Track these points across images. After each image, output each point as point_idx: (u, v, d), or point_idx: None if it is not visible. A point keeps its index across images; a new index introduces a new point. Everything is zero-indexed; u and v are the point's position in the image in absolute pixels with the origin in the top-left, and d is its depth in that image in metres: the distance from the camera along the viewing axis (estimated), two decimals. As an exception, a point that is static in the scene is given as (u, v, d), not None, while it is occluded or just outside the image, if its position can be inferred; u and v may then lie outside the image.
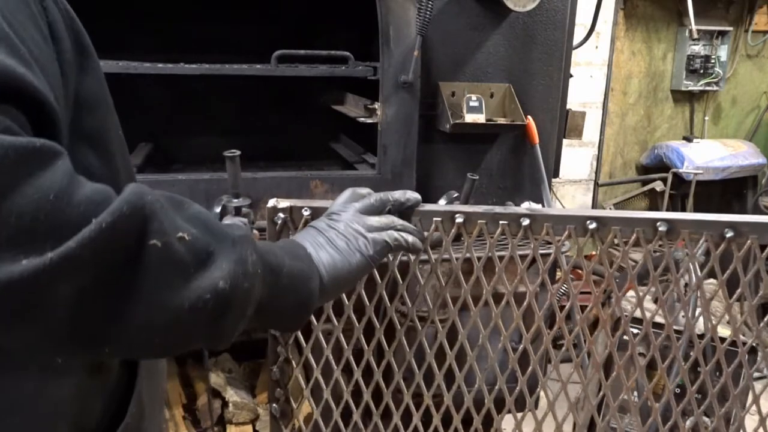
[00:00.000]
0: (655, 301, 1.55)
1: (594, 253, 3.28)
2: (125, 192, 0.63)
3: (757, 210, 4.31)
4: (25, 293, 0.57)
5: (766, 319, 1.06)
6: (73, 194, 0.59)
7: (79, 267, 0.59)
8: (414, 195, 1.05)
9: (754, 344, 1.07)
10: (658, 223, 0.99)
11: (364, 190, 1.05)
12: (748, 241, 0.97)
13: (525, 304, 1.09)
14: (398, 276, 1.11)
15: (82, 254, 0.58)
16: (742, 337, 1.08)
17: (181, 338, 0.70)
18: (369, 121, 1.98)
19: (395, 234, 0.98)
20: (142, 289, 0.63)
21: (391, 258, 1.10)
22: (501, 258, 1.07)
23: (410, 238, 0.99)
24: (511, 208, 1.07)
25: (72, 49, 0.75)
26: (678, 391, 1.12)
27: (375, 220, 0.98)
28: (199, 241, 0.68)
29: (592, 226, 1.01)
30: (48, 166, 0.59)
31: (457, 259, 1.09)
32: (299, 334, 1.16)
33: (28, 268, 0.56)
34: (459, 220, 1.05)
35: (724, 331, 1.36)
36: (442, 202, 1.47)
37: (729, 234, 0.98)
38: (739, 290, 1.02)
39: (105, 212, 0.60)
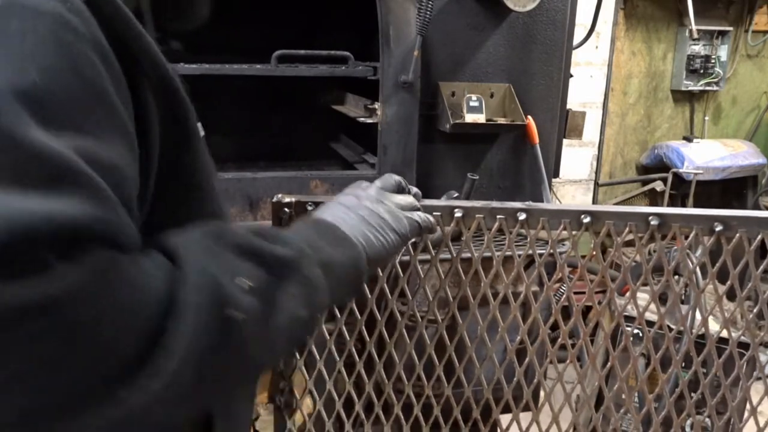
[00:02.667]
0: (662, 300, 1.54)
1: (594, 253, 3.27)
2: (188, 273, 0.57)
3: (757, 210, 4.31)
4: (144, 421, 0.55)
5: (755, 311, 1.06)
6: (146, 304, 0.54)
7: (186, 377, 0.56)
8: (416, 189, 1.05)
9: (745, 339, 1.07)
10: (650, 218, 1.02)
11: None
12: (737, 235, 0.99)
13: (521, 297, 1.10)
14: (399, 270, 1.11)
15: (182, 371, 0.55)
16: (734, 333, 1.08)
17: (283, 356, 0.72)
18: (369, 121, 1.98)
19: (423, 215, 0.96)
20: (241, 354, 0.62)
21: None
22: (499, 256, 1.08)
23: (433, 220, 0.99)
24: (509, 203, 1.09)
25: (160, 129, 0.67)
26: (676, 389, 1.12)
27: (401, 199, 0.96)
28: (261, 281, 0.64)
29: (587, 220, 1.03)
30: (105, 284, 0.52)
31: (456, 253, 1.09)
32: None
33: (134, 405, 0.53)
34: (458, 214, 1.07)
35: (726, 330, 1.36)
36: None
37: (718, 228, 0.99)
38: (728, 283, 1.03)
39: (186, 314, 0.55)
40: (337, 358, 1.18)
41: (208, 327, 0.57)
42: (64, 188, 0.50)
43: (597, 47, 4.18)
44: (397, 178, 1.00)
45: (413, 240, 1.03)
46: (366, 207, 0.90)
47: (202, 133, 0.84)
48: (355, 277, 0.83)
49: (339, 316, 1.15)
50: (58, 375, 0.50)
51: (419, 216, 0.96)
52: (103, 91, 0.58)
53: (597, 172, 4.44)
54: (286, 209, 1.09)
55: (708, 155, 4.34)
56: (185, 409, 0.60)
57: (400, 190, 0.99)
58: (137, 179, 0.63)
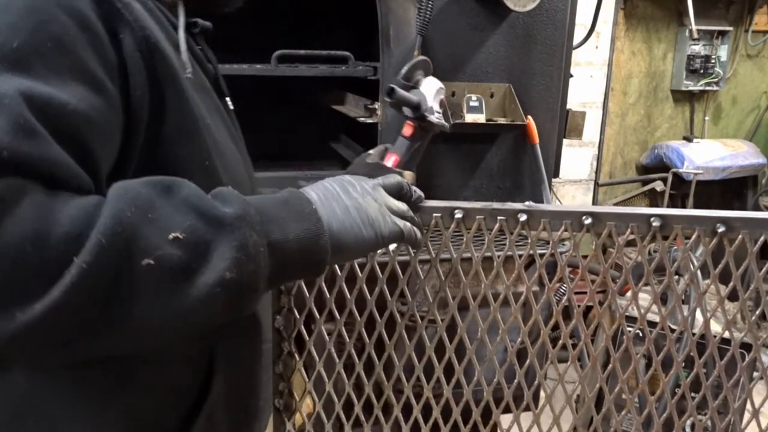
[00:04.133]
0: (663, 300, 1.54)
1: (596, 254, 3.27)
2: (101, 216, 0.62)
3: (757, 210, 4.30)
4: (23, 345, 0.59)
5: (758, 312, 1.06)
6: (49, 235, 0.58)
7: (71, 312, 0.59)
8: (420, 192, 1.03)
9: (747, 340, 1.07)
10: (652, 219, 1.01)
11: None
12: (740, 236, 0.98)
13: (522, 298, 1.10)
14: (399, 271, 1.11)
15: (70, 300, 0.58)
16: (736, 333, 1.08)
17: (202, 327, 0.72)
18: (369, 121, 1.98)
19: (409, 225, 0.93)
20: (150, 305, 0.64)
21: (392, 253, 1.10)
22: (500, 257, 1.07)
23: (419, 235, 0.96)
24: (509, 204, 1.08)
25: (146, 83, 0.76)
26: (677, 390, 1.12)
27: (394, 203, 0.93)
28: (195, 235, 0.67)
29: (588, 221, 1.03)
30: (12, 211, 0.57)
31: (456, 253, 1.09)
32: (302, 328, 1.17)
33: (20, 323, 0.57)
34: (458, 215, 1.06)
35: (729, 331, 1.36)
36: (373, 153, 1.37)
37: (721, 229, 0.99)
38: (730, 284, 1.03)
39: (83, 251, 0.59)
40: (337, 359, 1.18)
41: (112, 269, 0.61)
42: None
43: (597, 47, 4.17)
44: (398, 180, 0.97)
45: (391, 246, 1.00)
46: (354, 197, 0.88)
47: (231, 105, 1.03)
48: (314, 255, 0.80)
49: (339, 317, 1.15)
50: None
51: (405, 225, 0.92)
52: (69, 45, 0.68)
53: (597, 172, 4.44)
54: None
55: (708, 155, 4.34)
56: (78, 339, 0.62)
57: (399, 191, 0.97)
58: (108, 124, 0.71)
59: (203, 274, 0.66)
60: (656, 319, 1.11)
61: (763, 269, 1.01)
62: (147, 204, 0.65)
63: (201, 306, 0.67)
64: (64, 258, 0.59)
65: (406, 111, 1.36)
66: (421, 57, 1.44)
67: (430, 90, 1.37)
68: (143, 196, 0.66)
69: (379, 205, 0.90)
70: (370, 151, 1.30)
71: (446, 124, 1.40)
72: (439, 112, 1.38)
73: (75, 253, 0.59)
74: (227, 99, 1.03)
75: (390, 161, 1.33)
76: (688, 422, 1.61)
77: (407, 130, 1.37)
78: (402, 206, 0.95)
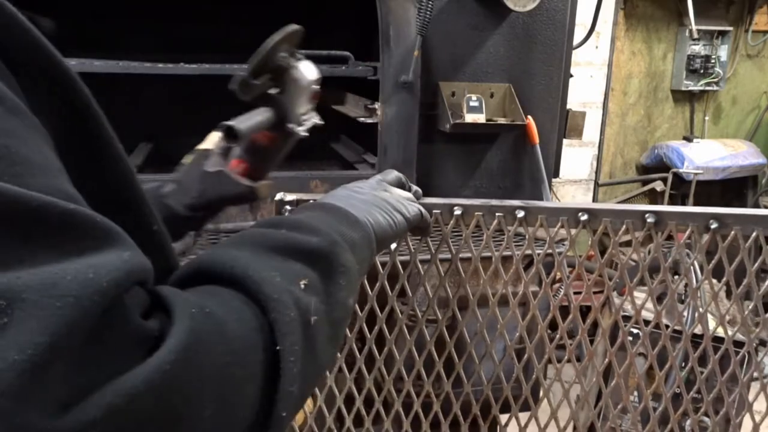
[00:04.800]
0: (661, 299, 1.54)
1: (592, 252, 3.28)
2: (268, 294, 0.55)
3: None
4: None
5: (750, 307, 1.06)
6: (242, 348, 0.52)
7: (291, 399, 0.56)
8: (416, 188, 1.05)
9: (742, 338, 1.07)
10: (647, 215, 1.03)
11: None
12: (732, 233, 1.00)
13: (520, 294, 1.11)
14: (400, 268, 1.12)
15: (285, 390, 0.55)
16: (730, 331, 1.09)
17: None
18: (369, 121, 1.99)
19: (422, 207, 0.97)
20: (323, 357, 0.62)
21: (391, 249, 1.11)
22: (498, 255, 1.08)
23: (430, 219, 0.99)
24: (507, 201, 1.11)
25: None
26: (677, 390, 1.13)
27: (399, 191, 0.96)
28: (314, 277, 0.63)
29: (584, 217, 1.04)
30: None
31: (455, 250, 1.10)
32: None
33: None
34: (457, 212, 1.08)
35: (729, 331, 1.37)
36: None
37: (714, 225, 1.00)
38: (723, 279, 1.04)
39: (278, 335, 0.54)
40: (338, 355, 1.18)
41: (304, 340, 0.57)
42: (86, 240, 0.44)
43: (597, 47, 4.18)
44: (397, 173, 1.00)
45: (413, 231, 1.02)
46: (369, 192, 0.90)
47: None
48: (369, 256, 0.82)
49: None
50: None
51: (419, 207, 0.96)
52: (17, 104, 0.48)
53: (597, 172, 4.45)
54: (287, 207, 1.10)
55: (708, 155, 4.34)
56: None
57: (399, 185, 1.00)
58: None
59: (337, 308, 0.66)
60: (653, 317, 1.12)
61: (756, 264, 1.02)
62: (264, 264, 0.60)
63: (342, 335, 0.68)
64: (269, 353, 0.54)
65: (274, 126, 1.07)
66: (285, 33, 1.06)
67: (296, 92, 1.05)
68: (252, 257, 0.61)
69: (391, 194, 0.93)
70: (210, 156, 1.07)
71: (315, 124, 1.12)
72: (306, 118, 1.09)
73: (273, 341, 0.54)
74: None
75: (239, 168, 1.07)
76: (688, 422, 1.62)
77: (263, 138, 1.07)
78: (407, 194, 0.98)
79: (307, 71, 1.05)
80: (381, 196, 0.90)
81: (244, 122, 0.98)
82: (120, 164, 0.58)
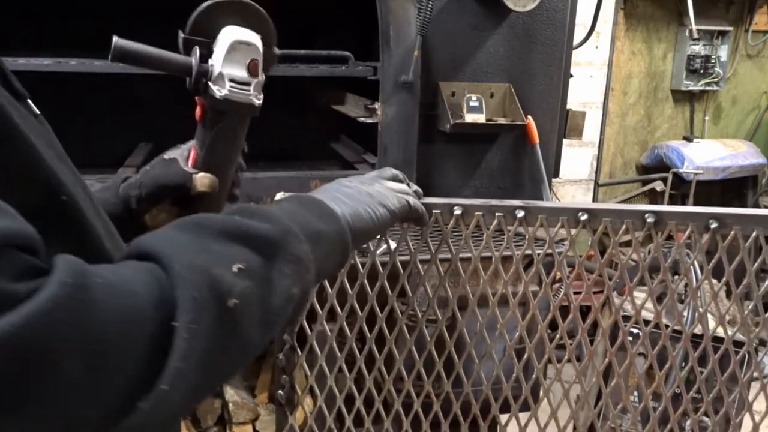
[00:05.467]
0: (659, 299, 1.55)
1: (592, 252, 3.28)
2: (171, 270, 0.57)
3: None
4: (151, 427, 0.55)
5: (750, 307, 1.06)
6: (136, 310, 0.54)
7: (187, 377, 0.56)
8: (416, 187, 1.05)
9: (741, 338, 1.07)
10: (647, 215, 1.03)
11: None
12: (732, 232, 1.00)
13: (520, 294, 1.11)
14: (400, 267, 1.12)
15: (187, 366, 0.55)
16: (731, 331, 1.09)
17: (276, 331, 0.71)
18: (369, 121, 1.99)
19: (413, 199, 0.97)
20: (244, 342, 0.62)
21: (392, 248, 1.11)
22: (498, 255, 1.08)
23: (423, 209, 1.00)
24: (507, 201, 1.11)
25: None
26: (677, 390, 1.13)
27: (394, 183, 0.97)
28: (254, 261, 0.64)
29: (584, 217, 1.04)
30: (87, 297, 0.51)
31: (455, 250, 1.10)
32: (304, 322, 1.18)
33: (144, 410, 0.53)
34: (457, 212, 1.08)
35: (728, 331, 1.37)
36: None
37: (713, 225, 1.00)
38: (723, 279, 1.04)
39: (179, 312, 0.55)
40: (338, 355, 1.18)
41: (211, 321, 0.57)
42: None
43: (597, 47, 4.18)
44: (394, 171, 1.01)
45: (408, 222, 1.04)
46: (356, 186, 0.90)
47: None
48: (342, 249, 0.82)
49: (340, 313, 1.16)
50: (72, 403, 0.49)
51: (409, 198, 0.96)
52: None
53: (597, 172, 4.45)
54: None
55: (708, 155, 4.34)
56: (192, 403, 0.61)
57: (395, 181, 1.00)
58: None
59: (275, 295, 0.66)
60: (653, 317, 1.12)
61: (756, 264, 1.02)
62: (198, 246, 0.62)
63: (279, 323, 0.68)
64: (164, 328, 0.54)
65: (191, 83, 0.94)
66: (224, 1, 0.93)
67: (222, 45, 0.91)
68: (189, 239, 0.63)
69: (381, 185, 0.94)
70: (180, 145, 1.06)
71: (249, 99, 0.94)
72: (236, 82, 0.92)
73: (171, 317, 0.55)
74: (29, 101, 0.77)
75: (191, 156, 1.01)
76: (688, 422, 1.61)
77: (198, 111, 0.98)
78: (402, 186, 0.98)
79: (238, 33, 0.92)
80: (367, 190, 0.90)
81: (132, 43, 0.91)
82: (21, 142, 0.59)
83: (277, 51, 1.00)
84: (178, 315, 0.55)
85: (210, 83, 0.92)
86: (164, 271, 0.57)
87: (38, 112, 0.76)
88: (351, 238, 0.84)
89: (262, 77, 0.95)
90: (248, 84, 0.93)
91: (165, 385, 0.53)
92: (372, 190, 0.91)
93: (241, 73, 0.92)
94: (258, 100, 0.95)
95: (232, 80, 0.92)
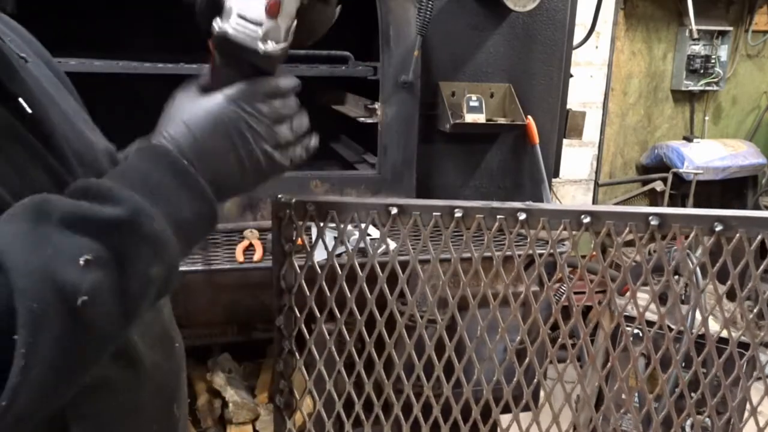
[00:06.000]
0: (662, 300, 1.54)
1: (594, 253, 3.28)
2: (9, 274, 0.54)
3: (757, 210, 4.30)
4: None
5: (755, 311, 1.06)
6: None
7: (35, 391, 0.55)
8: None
9: (745, 339, 1.07)
10: (650, 218, 1.02)
11: None
12: (737, 235, 0.99)
13: (521, 297, 1.10)
14: (399, 270, 1.11)
15: (32, 379, 0.54)
16: (734, 333, 1.08)
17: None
18: (369, 121, 1.98)
19: (300, 151, 0.83)
20: (102, 334, 0.61)
21: (391, 251, 1.11)
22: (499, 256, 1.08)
23: (306, 154, 0.85)
24: (508, 203, 1.09)
25: None
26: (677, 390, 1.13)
27: (286, 131, 0.80)
28: (102, 250, 0.61)
29: (587, 220, 1.03)
30: None
31: (456, 251, 1.09)
32: (303, 327, 1.17)
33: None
34: (458, 214, 1.07)
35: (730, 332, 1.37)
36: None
37: (718, 228, 0.99)
38: (728, 283, 1.03)
39: (20, 326, 0.53)
40: (337, 359, 1.18)
41: (56, 328, 0.55)
42: None
43: (597, 47, 4.18)
44: (271, 85, 0.80)
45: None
46: (228, 132, 0.76)
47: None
48: (211, 219, 0.76)
49: (339, 316, 1.15)
50: None
51: (293, 154, 0.82)
52: None
53: (597, 172, 4.44)
54: (286, 209, 1.09)
55: (708, 155, 4.34)
56: (58, 399, 0.60)
57: (273, 97, 0.79)
58: None
59: (132, 279, 0.63)
60: (656, 318, 1.12)
61: (761, 267, 1.01)
62: (38, 238, 0.58)
63: (140, 307, 0.65)
64: (5, 341, 0.53)
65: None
66: None
67: None
68: (28, 230, 0.58)
69: (259, 116, 0.78)
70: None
71: (254, 43, 0.76)
72: (245, 20, 0.75)
73: (11, 330, 0.53)
74: (20, 100, 0.73)
75: None
76: (688, 421, 1.61)
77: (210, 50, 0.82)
78: (295, 128, 0.82)
79: None
80: (240, 127, 0.76)
81: None
82: None
83: (336, 9, 0.84)
84: (18, 329, 0.53)
85: (220, 21, 0.76)
86: (4, 276, 0.54)
87: (30, 111, 0.73)
88: (217, 208, 0.75)
89: (284, 23, 0.77)
90: (259, 24, 0.76)
91: (3, 400, 0.52)
92: (252, 122, 0.77)
93: (257, 11, 0.75)
94: (265, 47, 0.76)
95: (241, 16, 0.76)
